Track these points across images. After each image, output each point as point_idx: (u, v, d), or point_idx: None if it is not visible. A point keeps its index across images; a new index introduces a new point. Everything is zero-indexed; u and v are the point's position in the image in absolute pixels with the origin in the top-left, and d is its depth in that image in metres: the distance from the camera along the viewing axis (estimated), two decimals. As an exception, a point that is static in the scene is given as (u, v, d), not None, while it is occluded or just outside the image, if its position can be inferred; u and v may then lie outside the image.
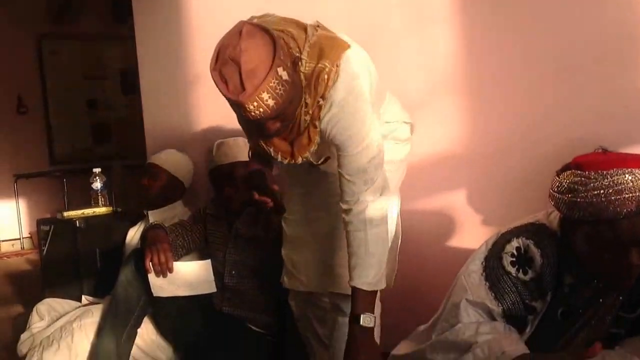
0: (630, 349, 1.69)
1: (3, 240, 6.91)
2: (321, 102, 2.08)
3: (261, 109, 1.92)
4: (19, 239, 6.87)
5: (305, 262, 2.66)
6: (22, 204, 6.87)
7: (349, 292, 2.27)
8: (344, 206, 2.21)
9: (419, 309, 2.56)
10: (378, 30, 3.02)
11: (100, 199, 3.79)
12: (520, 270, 1.94)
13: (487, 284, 1.98)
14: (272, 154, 2.26)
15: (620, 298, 1.85)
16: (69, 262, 3.73)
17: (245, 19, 2.09)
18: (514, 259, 1.96)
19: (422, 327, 2.19)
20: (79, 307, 3.47)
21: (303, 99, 2.08)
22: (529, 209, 2.11)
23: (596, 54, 2.44)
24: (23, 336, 3.30)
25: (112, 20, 7.39)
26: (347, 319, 2.30)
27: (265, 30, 1.95)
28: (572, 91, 2.52)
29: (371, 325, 2.14)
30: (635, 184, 1.72)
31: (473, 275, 2.01)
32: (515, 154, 2.66)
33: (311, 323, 2.73)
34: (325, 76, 2.06)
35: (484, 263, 2.01)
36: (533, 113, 2.61)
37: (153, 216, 3.50)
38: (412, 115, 2.68)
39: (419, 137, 2.88)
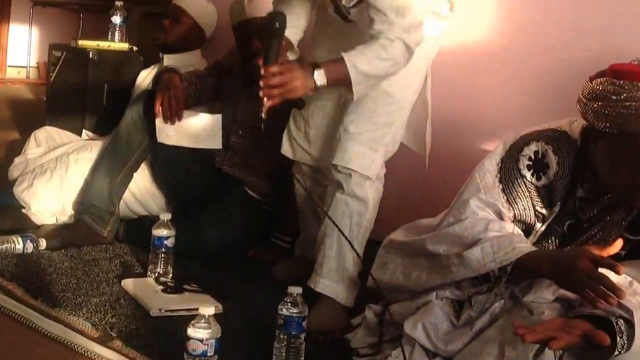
0: (628, 270, 1.66)
1: (10, 66, 6.84)
2: None
3: None
4: (26, 67, 6.79)
5: (316, 130, 2.63)
6: (35, 31, 6.76)
7: (354, 168, 2.34)
8: (371, 32, 2.22)
9: (425, 205, 2.55)
10: None
11: (117, 34, 3.70)
12: (535, 175, 1.91)
13: (501, 185, 1.94)
14: None
15: (628, 218, 1.82)
16: (76, 93, 3.69)
17: None
18: (530, 163, 1.92)
19: (425, 221, 2.15)
20: (79, 140, 3.45)
21: None
22: (554, 115, 2.05)
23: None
24: (17, 160, 3.30)
25: None
26: (344, 196, 2.37)
27: None
28: None
29: (319, 80, 2.17)
30: None
31: (487, 175, 1.97)
32: (548, 55, 2.60)
33: (311, 198, 2.72)
34: None
35: (499, 164, 1.97)
36: (574, 13, 2.55)
37: (168, 60, 3.44)
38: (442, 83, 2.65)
39: (448, 105, 2.83)
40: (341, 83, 2.24)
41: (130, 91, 3.55)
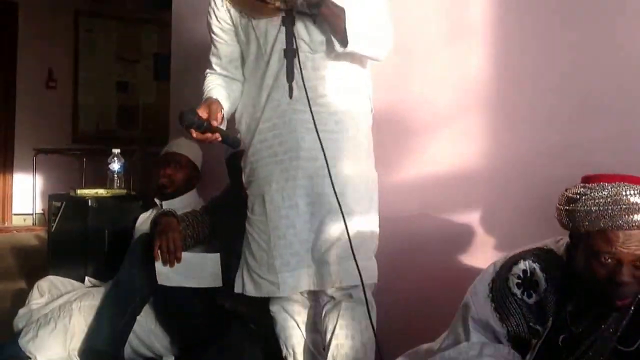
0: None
1: (15, 214, 7.01)
2: None
3: None
4: (31, 214, 6.97)
5: (293, 257, 2.51)
6: (39, 179, 6.97)
7: (365, 281, 2.32)
8: None
9: (425, 328, 2.58)
10: (412, 40, 3.06)
11: (116, 181, 3.85)
12: (525, 293, 1.99)
13: (493, 304, 2.02)
14: None
15: (619, 329, 1.87)
16: (77, 241, 3.79)
17: None
18: (520, 281, 2.00)
19: (425, 346, 2.20)
20: (81, 288, 3.52)
21: None
22: (544, 232, 2.13)
23: (624, 84, 2.45)
24: (21, 311, 3.37)
25: (151, 3, 7.48)
26: (351, 303, 2.41)
27: None
28: (596, 119, 2.53)
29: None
30: (633, 199, 1.78)
31: (479, 295, 2.05)
32: (535, 176, 2.66)
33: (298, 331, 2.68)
34: None
35: (490, 284, 2.05)
36: (556, 136, 2.62)
37: (168, 206, 3.53)
38: (437, 128, 2.73)
39: (440, 151, 2.95)
40: (335, 16, 2.31)
41: (131, 234, 3.63)
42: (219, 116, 2.32)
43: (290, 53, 2.39)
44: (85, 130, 7.51)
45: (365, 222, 2.47)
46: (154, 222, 3.08)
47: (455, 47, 2.99)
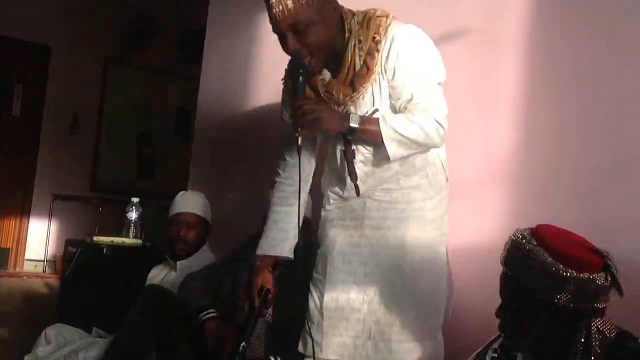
0: None
1: (27, 260, 7.03)
2: (377, 38, 2.40)
3: (281, 7, 2.27)
4: (43, 261, 6.98)
5: (341, 322, 2.56)
6: (54, 225, 7.02)
7: None
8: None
9: None
10: None
11: (132, 230, 3.86)
12: None
13: None
14: (333, 98, 2.46)
15: None
16: (89, 289, 3.80)
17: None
18: (496, 355, 2.06)
19: None
20: (88, 338, 3.51)
21: (354, 39, 2.42)
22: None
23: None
24: (27, 358, 3.35)
25: (180, 56, 7.61)
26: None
27: None
28: (616, 196, 2.56)
29: (352, 122, 2.37)
30: (544, 262, 1.86)
31: None
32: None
33: None
34: (377, 20, 2.42)
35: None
36: (576, 212, 2.62)
37: (182, 265, 3.56)
38: (458, 200, 2.74)
39: (460, 223, 2.90)
40: (373, 135, 2.38)
41: (142, 286, 3.64)
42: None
43: (350, 155, 2.51)
44: (104, 179, 7.59)
45: (428, 298, 2.51)
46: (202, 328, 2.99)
47: (479, 119, 3.03)
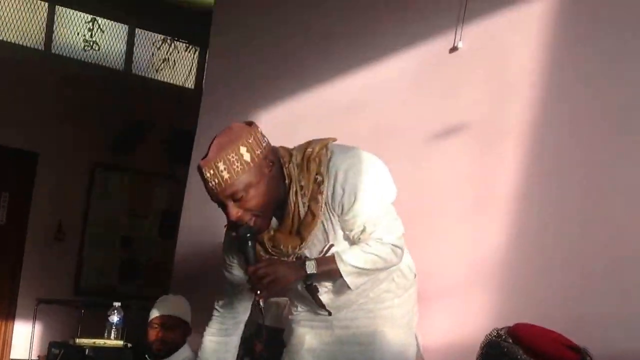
0: None
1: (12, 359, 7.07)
2: (319, 178, 2.36)
3: (216, 180, 2.25)
4: (27, 362, 7.02)
5: None
6: (38, 327, 7.08)
7: None
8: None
9: None
10: (433, 205, 3.18)
11: (113, 332, 4.02)
12: None
13: None
14: (282, 252, 2.46)
15: None
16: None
17: None
18: None
19: None
20: None
21: (295, 185, 2.37)
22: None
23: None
24: None
25: (168, 157, 7.73)
26: None
27: (249, 122, 2.36)
28: (602, 295, 2.61)
29: (309, 270, 2.36)
30: (514, 357, 1.90)
31: None
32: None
33: None
34: (316, 158, 2.38)
35: None
36: (559, 312, 2.65)
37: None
38: (442, 299, 2.87)
39: (442, 322, 2.99)
40: (332, 274, 2.41)
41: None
42: None
43: (313, 290, 2.54)
44: (87, 283, 7.64)
45: None
46: None
47: (475, 215, 3.08)
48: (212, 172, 2.24)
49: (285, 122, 3.94)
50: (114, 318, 4.12)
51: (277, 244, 2.45)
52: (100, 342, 4.02)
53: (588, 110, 2.79)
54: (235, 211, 2.29)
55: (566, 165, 2.82)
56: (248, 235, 2.35)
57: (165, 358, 3.71)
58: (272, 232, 2.44)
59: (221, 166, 2.23)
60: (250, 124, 2.36)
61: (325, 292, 2.53)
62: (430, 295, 2.96)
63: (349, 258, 2.38)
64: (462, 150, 3.14)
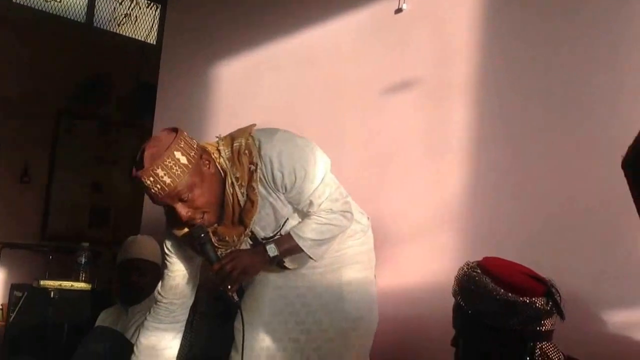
0: None
1: (-26, 305, 6.93)
2: (252, 167, 2.44)
3: (158, 186, 2.26)
4: (-10, 307, 6.88)
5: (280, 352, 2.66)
6: (2, 272, 6.92)
7: None
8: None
9: None
10: (393, 152, 3.26)
11: (81, 274, 3.85)
12: None
13: None
14: (228, 243, 2.52)
15: None
16: (35, 333, 3.77)
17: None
18: None
19: None
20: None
21: (230, 177, 2.43)
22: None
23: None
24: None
25: (134, 109, 7.67)
26: None
27: (174, 129, 2.38)
28: (567, 236, 2.67)
29: (271, 253, 2.45)
30: (488, 288, 2.02)
31: None
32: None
33: None
34: (246, 150, 2.44)
35: None
36: (526, 255, 2.58)
37: (133, 310, 3.55)
38: (411, 241, 2.95)
39: (412, 264, 3.08)
40: (293, 251, 2.51)
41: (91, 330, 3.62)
42: None
43: (279, 262, 2.59)
44: (55, 227, 7.52)
45: (365, 329, 2.69)
46: None
47: (434, 163, 3.15)
48: (152, 179, 2.26)
49: (244, 74, 4.19)
50: (82, 259, 3.94)
51: (222, 236, 2.52)
52: (66, 284, 3.85)
53: (526, 64, 2.92)
54: (185, 211, 2.34)
55: (510, 112, 2.95)
56: (202, 235, 2.41)
57: (137, 303, 3.57)
58: (214, 227, 2.49)
59: (160, 172, 2.26)
60: (175, 130, 2.38)
61: (289, 261, 2.61)
62: (397, 238, 3.14)
63: (305, 233, 2.48)
64: (413, 103, 3.27)
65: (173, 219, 2.44)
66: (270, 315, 2.67)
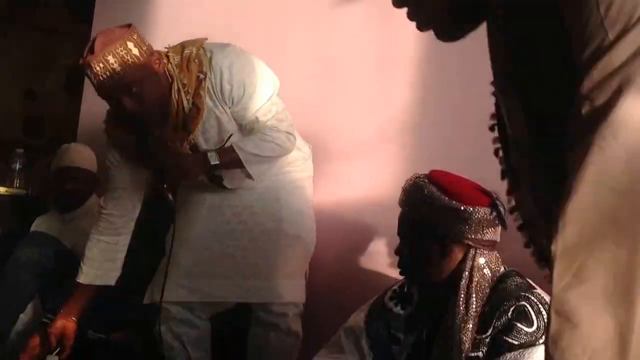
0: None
1: None
2: (201, 76, 2.44)
3: (107, 73, 2.24)
4: None
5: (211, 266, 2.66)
6: None
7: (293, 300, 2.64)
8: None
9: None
10: (338, 67, 3.24)
11: (16, 180, 3.79)
12: (399, 305, 2.25)
13: (365, 314, 2.29)
14: (171, 146, 2.51)
15: (471, 320, 2.04)
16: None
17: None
18: (394, 294, 2.28)
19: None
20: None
21: (177, 84, 2.43)
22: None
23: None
24: None
25: (70, 15, 7.44)
26: (279, 334, 2.66)
27: (127, 25, 2.39)
28: None
29: (212, 160, 2.46)
30: (436, 197, 2.08)
31: (360, 310, 2.33)
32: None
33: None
34: (196, 59, 2.44)
35: (371, 302, 2.33)
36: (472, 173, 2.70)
37: (70, 216, 3.52)
38: (356, 155, 3.01)
39: (358, 177, 3.10)
40: (234, 165, 2.52)
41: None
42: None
43: (218, 180, 2.59)
44: (-13, 136, 7.37)
45: (301, 241, 2.74)
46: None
47: (380, 78, 3.14)
48: (101, 65, 2.23)
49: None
50: (16, 165, 3.87)
51: (165, 140, 2.51)
52: (0, 189, 3.80)
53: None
54: (130, 104, 2.32)
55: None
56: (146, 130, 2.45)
57: (71, 210, 3.54)
58: (157, 131, 2.49)
59: (111, 59, 2.23)
60: (129, 25, 2.38)
61: (229, 179, 2.61)
62: (342, 153, 3.14)
63: (248, 147, 2.50)
64: (363, 17, 3.21)
65: (115, 118, 2.45)
66: (206, 231, 2.66)
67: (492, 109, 1.42)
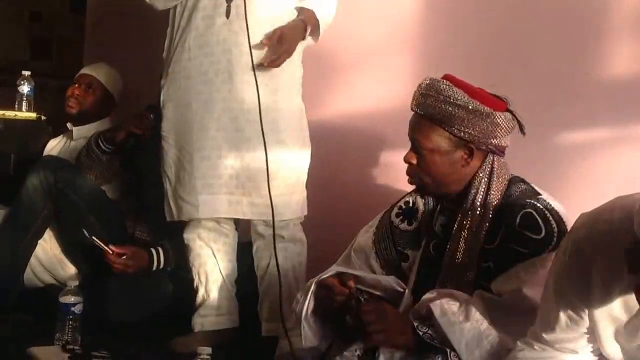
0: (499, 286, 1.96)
1: None
2: None
3: None
4: None
5: (216, 180, 2.60)
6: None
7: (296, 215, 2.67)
8: None
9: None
10: None
11: (24, 104, 3.73)
12: (406, 221, 2.25)
13: (373, 232, 2.29)
14: None
15: (483, 232, 2.04)
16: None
17: None
18: (400, 211, 2.27)
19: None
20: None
21: None
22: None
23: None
24: None
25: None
26: (284, 244, 2.64)
27: None
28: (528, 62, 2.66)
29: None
30: (457, 97, 2.02)
31: (368, 228, 2.33)
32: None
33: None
34: None
35: (380, 217, 2.32)
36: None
37: (79, 132, 3.48)
38: (364, 65, 2.97)
39: (366, 88, 3.08)
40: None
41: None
42: None
43: None
44: (-7, 60, 7.28)
45: (297, 156, 2.65)
46: None
47: None
48: None
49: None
50: (24, 88, 3.77)
51: None
52: (10, 113, 3.73)
53: None
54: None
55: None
56: None
57: (82, 125, 3.48)
58: None
59: None
60: None
61: None
62: (356, 60, 3.14)
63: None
64: None
65: None
66: (203, 141, 2.61)
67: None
